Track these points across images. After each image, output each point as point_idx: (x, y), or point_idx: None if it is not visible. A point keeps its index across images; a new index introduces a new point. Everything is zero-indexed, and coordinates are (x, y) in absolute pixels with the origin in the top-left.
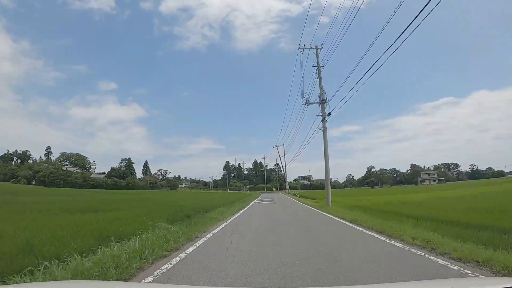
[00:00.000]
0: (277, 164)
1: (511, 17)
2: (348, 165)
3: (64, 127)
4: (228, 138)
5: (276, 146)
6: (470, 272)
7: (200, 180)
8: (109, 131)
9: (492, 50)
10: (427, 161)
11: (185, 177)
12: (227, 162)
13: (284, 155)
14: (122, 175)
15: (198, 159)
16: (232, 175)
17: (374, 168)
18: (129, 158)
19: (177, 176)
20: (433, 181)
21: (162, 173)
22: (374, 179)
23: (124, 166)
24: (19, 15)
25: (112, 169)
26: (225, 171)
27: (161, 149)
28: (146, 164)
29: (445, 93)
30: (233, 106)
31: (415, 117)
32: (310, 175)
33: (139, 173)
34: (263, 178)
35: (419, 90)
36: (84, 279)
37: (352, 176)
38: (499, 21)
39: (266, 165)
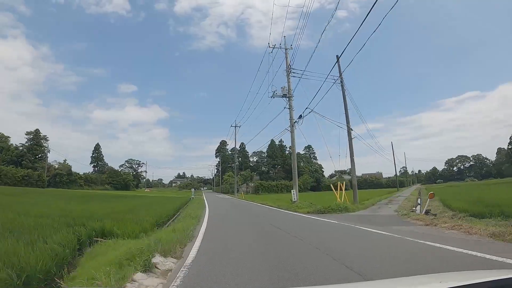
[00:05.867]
0: (308, 147)
1: None
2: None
3: (86, 130)
4: (246, 137)
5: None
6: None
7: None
8: (130, 132)
9: None
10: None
11: (191, 175)
12: (222, 143)
13: None
14: (18, 162)
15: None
16: (229, 164)
17: None
18: (37, 129)
19: (181, 173)
20: None
21: (134, 165)
22: None
23: (27, 147)
24: (37, 22)
25: (8, 149)
26: (218, 159)
27: (181, 150)
28: (97, 148)
29: (469, 87)
30: (253, 104)
31: (439, 113)
32: (348, 169)
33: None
34: (286, 169)
35: (443, 85)
36: None
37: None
38: None
39: (288, 148)
